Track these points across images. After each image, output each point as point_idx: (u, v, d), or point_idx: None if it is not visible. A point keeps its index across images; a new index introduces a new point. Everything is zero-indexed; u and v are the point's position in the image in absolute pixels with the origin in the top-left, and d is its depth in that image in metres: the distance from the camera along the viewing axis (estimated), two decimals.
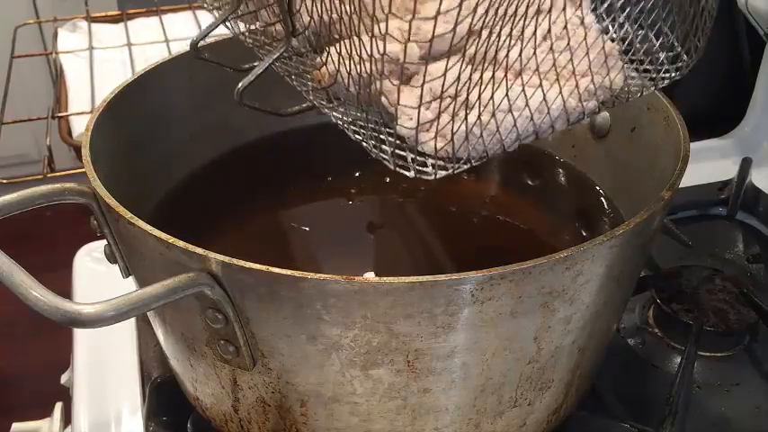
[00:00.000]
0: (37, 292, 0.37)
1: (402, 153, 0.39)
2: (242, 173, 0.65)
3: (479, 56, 0.36)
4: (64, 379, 0.74)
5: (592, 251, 0.41)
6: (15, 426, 0.65)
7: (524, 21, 0.36)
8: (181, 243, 0.40)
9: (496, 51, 0.36)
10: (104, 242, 0.50)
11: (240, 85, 0.43)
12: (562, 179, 0.65)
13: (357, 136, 0.41)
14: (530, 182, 0.61)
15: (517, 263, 0.39)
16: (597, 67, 0.40)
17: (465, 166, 0.39)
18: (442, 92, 0.37)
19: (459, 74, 0.36)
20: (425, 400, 0.45)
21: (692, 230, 0.75)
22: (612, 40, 0.42)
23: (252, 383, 0.46)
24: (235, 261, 0.39)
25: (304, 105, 0.46)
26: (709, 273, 0.69)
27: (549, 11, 0.37)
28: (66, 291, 0.68)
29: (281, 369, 0.44)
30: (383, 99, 0.39)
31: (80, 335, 0.66)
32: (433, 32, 0.34)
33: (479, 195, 0.64)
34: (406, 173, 0.39)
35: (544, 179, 0.66)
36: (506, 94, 0.38)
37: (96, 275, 0.72)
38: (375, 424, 0.46)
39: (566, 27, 0.38)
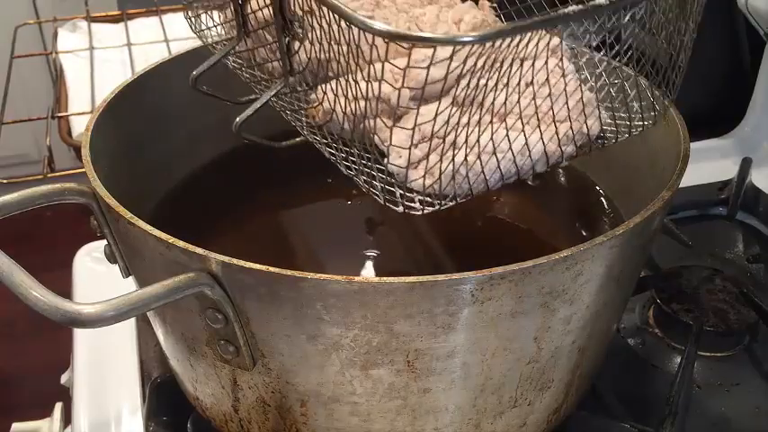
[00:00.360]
0: (37, 292, 0.37)
1: (391, 189, 0.41)
2: (242, 173, 0.65)
3: (468, 100, 0.38)
4: (64, 379, 0.74)
5: (592, 251, 0.41)
6: (15, 426, 0.65)
7: (510, 69, 0.38)
8: (181, 243, 0.40)
9: (484, 97, 0.38)
10: (104, 242, 0.50)
11: (238, 119, 0.45)
12: (562, 179, 0.65)
13: (349, 171, 0.43)
14: (530, 182, 0.61)
15: (517, 263, 0.39)
16: (576, 114, 0.43)
17: (451, 203, 0.41)
18: (432, 133, 0.39)
19: (449, 117, 0.38)
20: (425, 400, 0.45)
21: (692, 230, 0.75)
22: (591, 90, 0.44)
23: (252, 383, 0.46)
24: (235, 261, 0.39)
25: (298, 139, 0.48)
26: (709, 273, 0.69)
27: (534, 61, 0.39)
28: (66, 291, 0.68)
29: (281, 369, 0.44)
30: (375, 137, 0.41)
31: (80, 335, 0.66)
32: (426, 80, 0.36)
33: (479, 196, 0.64)
34: (395, 208, 0.41)
35: (544, 179, 0.65)
36: (491, 138, 0.40)
37: (96, 275, 0.72)
38: (375, 424, 0.46)
39: (547, 77, 0.40)
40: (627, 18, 0.39)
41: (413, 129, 0.38)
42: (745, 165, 0.81)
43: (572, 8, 0.35)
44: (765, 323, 0.64)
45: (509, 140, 0.40)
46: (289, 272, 0.39)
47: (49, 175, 0.85)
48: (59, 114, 0.96)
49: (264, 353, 0.43)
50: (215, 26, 0.50)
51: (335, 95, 0.41)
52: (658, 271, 0.70)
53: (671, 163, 0.49)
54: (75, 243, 0.75)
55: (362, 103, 0.39)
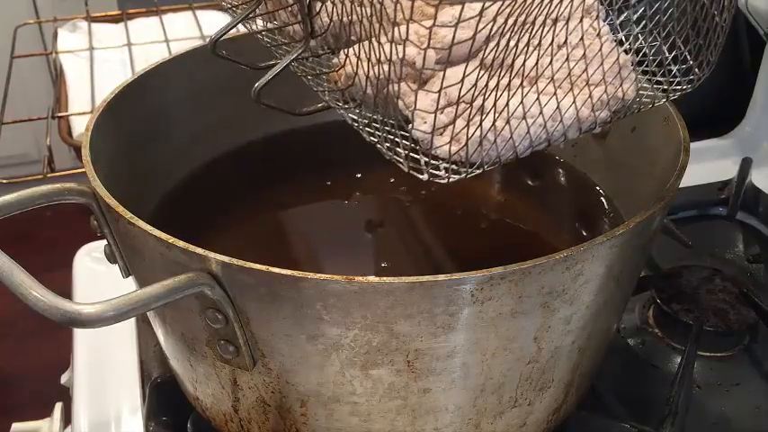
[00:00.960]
0: (37, 292, 0.37)
1: (416, 156, 0.39)
2: (242, 173, 0.65)
3: (496, 63, 0.36)
4: (64, 379, 0.74)
5: (592, 251, 0.41)
6: (15, 426, 0.65)
7: (542, 30, 0.36)
8: (181, 243, 0.40)
9: (513, 59, 0.37)
10: (104, 242, 0.50)
11: (257, 84, 0.43)
12: (562, 179, 0.65)
13: (372, 138, 0.41)
14: (530, 182, 0.61)
15: (517, 263, 0.39)
16: (611, 77, 0.41)
17: (477, 171, 0.39)
18: (459, 97, 0.36)
19: (477, 80, 0.36)
20: (425, 400, 0.45)
21: (692, 230, 0.75)
22: (627, 52, 0.42)
23: (252, 383, 0.46)
24: (235, 261, 0.39)
25: (319, 105, 0.46)
26: (709, 273, 0.69)
27: (567, 21, 0.37)
28: (66, 291, 0.68)
29: (281, 369, 0.44)
30: (399, 102, 0.39)
31: (80, 335, 0.66)
32: (453, 41, 0.34)
33: (479, 196, 0.64)
34: (420, 176, 0.39)
35: (544, 179, 0.66)
36: (521, 102, 0.38)
37: (96, 275, 0.72)
38: (375, 424, 0.46)
39: (582, 38, 0.39)
40: None
41: (438, 93, 0.36)
42: (745, 165, 0.81)
43: None
44: (765, 323, 0.64)
45: (540, 104, 0.38)
46: (289, 272, 0.39)
47: (49, 176, 0.85)
48: (59, 114, 0.96)
49: (264, 353, 0.43)
50: None
51: (358, 58, 0.39)
52: (658, 271, 0.70)
53: (671, 163, 0.49)
54: (76, 243, 0.75)
55: (386, 67, 0.37)
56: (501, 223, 0.63)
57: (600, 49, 0.40)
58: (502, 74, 0.37)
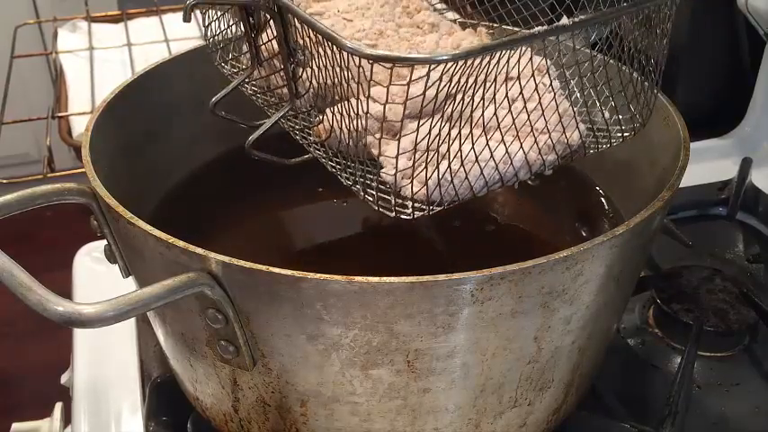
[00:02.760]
0: (37, 292, 0.37)
1: (385, 197, 0.45)
2: (242, 173, 0.65)
3: (452, 114, 0.42)
4: (64, 379, 0.74)
5: (592, 251, 0.41)
6: (15, 426, 0.65)
7: (491, 85, 0.41)
8: (181, 243, 0.40)
9: (464, 110, 0.42)
10: (104, 242, 0.50)
11: (249, 139, 0.50)
12: (562, 179, 0.65)
13: (348, 182, 0.46)
14: (530, 182, 0.61)
15: (517, 263, 0.39)
16: (553, 125, 0.46)
17: (439, 208, 0.44)
18: (418, 144, 0.42)
19: (431, 129, 0.41)
20: (425, 400, 0.45)
21: (692, 230, 0.75)
22: (571, 103, 0.47)
23: (252, 383, 0.46)
24: (235, 261, 0.39)
25: (306, 156, 0.52)
26: (709, 273, 0.69)
27: (518, 78, 0.42)
28: (66, 291, 0.68)
29: (281, 369, 0.44)
30: (370, 150, 0.45)
31: (80, 335, 0.66)
32: (406, 97, 0.39)
33: (480, 196, 0.64)
34: (389, 213, 0.44)
35: (544, 179, 0.65)
36: (473, 147, 0.43)
37: (96, 275, 0.72)
38: (375, 424, 0.46)
39: (521, 92, 0.43)
40: (593, 36, 0.44)
41: (398, 141, 0.42)
42: (745, 165, 0.81)
43: (538, 28, 0.39)
44: (765, 323, 0.64)
45: (490, 150, 0.43)
46: (289, 272, 0.39)
47: (49, 175, 0.85)
48: (59, 114, 0.96)
49: (264, 353, 0.43)
50: (233, 57, 0.55)
51: (333, 114, 0.45)
52: (658, 271, 0.70)
53: (671, 163, 0.49)
54: (76, 243, 0.75)
55: (357, 121, 0.43)
56: (501, 223, 0.63)
57: (542, 101, 0.44)
58: (457, 123, 0.42)
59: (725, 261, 0.74)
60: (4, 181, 0.85)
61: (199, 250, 0.40)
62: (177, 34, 1.10)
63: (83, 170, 0.47)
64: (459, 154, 0.43)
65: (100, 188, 0.45)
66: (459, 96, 0.41)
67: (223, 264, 0.39)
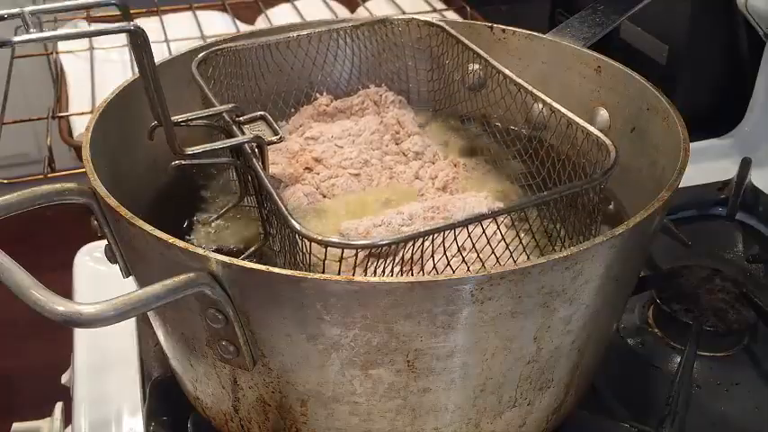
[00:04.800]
0: (37, 292, 0.37)
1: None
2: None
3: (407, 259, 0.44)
4: (64, 379, 0.74)
5: (591, 251, 0.41)
6: (15, 426, 0.65)
7: (443, 238, 0.43)
8: (181, 243, 0.40)
9: (421, 257, 0.44)
10: (104, 242, 0.50)
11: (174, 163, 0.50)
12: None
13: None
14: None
15: (517, 263, 0.39)
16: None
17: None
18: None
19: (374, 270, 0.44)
20: (425, 400, 0.45)
21: (692, 230, 0.75)
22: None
23: (252, 383, 0.46)
24: (235, 261, 0.39)
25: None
26: (709, 273, 0.69)
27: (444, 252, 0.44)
28: (66, 291, 0.68)
29: (282, 369, 0.44)
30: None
31: (80, 335, 0.66)
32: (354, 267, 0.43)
33: None
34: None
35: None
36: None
37: (96, 275, 0.72)
38: (375, 424, 0.46)
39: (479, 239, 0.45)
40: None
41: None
42: (745, 165, 0.81)
43: (457, 218, 0.43)
44: (765, 323, 0.64)
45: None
46: (289, 272, 0.39)
47: (50, 176, 0.85)
48: (60, 114, 0.96)
49: (264, 353, 0.43)
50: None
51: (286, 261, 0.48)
52: (658, 271, 0.70)
53: (671, 163, 0.49)
54: (76, 243, 0.75)
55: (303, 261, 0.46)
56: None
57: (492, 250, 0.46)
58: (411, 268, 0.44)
59: (724, 261, 0.74)
60: (5, 181, 0.85)
61: (199, 250, 0.40)
62: (177, 34, 1.10)
63: (83, 170, 0.47)
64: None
65: (100, 188, 0.45)
66: (388, 259, 0.44)
67: (223, 264, 0.39)
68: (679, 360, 0.60)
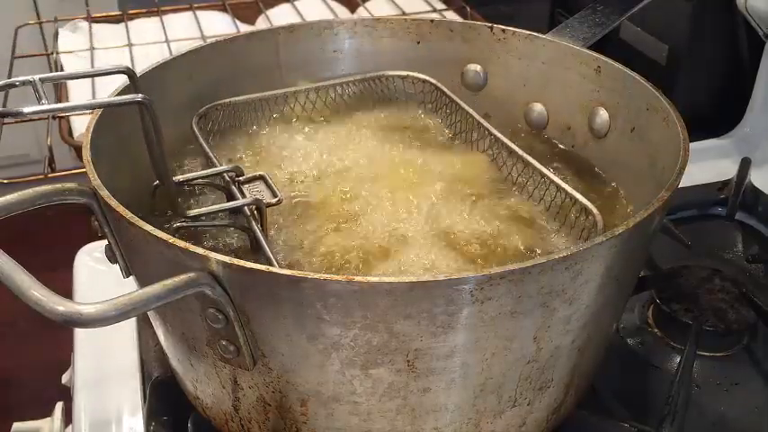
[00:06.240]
0: (37, 292, 0.37)
1: None
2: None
3: None
4: (65, 379, 0.74)
5: (591, 251, 0.41)
6: (15, 426, 0.65)
7: None
8: (181, 243, 0.40)
9: None
10: (105, 242, 0.50)
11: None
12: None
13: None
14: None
15: (517, 263, 0.39)
16: None
17: None
18: None
19: None
20: (425, 400, 0.45)
21: (692, 230, 0.75)
22: None
23: (252, 383, 0.46)
24: (235, 261, 0.39)
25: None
26: (709, 273, 0.69)
27: None
28: (66, 291, 0.68)
29: (282, 369, 0.44)
30: None
31: (80, 335, 0.66)
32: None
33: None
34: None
35: None
36: None
37: (96, 275, 0.72)
38: (375, 423, 0.46)
39: None
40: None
41: None
42: (745, 165, 0.81)
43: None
44: (765, 323, 0.64)
45: None
46: (289, 272, 0.39)
47: (50, 176, 0.85)
48: (60, 114, 0.96)
49: (265, 352, 0.43)
50: None
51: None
52: (658, 271, 0.70)
53: (671, 163, 0.49)
54: (76, 243, 0.75)
55: None
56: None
57: None
58: None
59: (724, 261, 0.74)
60: (5, 181, 0.85)
61: (199, 250, 0.40)
62: (177, 34, 1.10)
63: (83, 170, 0.47)
64: None
65: (101, 188, 0.45)
66: None
67: (223, 264, 0.39)
68: (679, 360, 0.60)
